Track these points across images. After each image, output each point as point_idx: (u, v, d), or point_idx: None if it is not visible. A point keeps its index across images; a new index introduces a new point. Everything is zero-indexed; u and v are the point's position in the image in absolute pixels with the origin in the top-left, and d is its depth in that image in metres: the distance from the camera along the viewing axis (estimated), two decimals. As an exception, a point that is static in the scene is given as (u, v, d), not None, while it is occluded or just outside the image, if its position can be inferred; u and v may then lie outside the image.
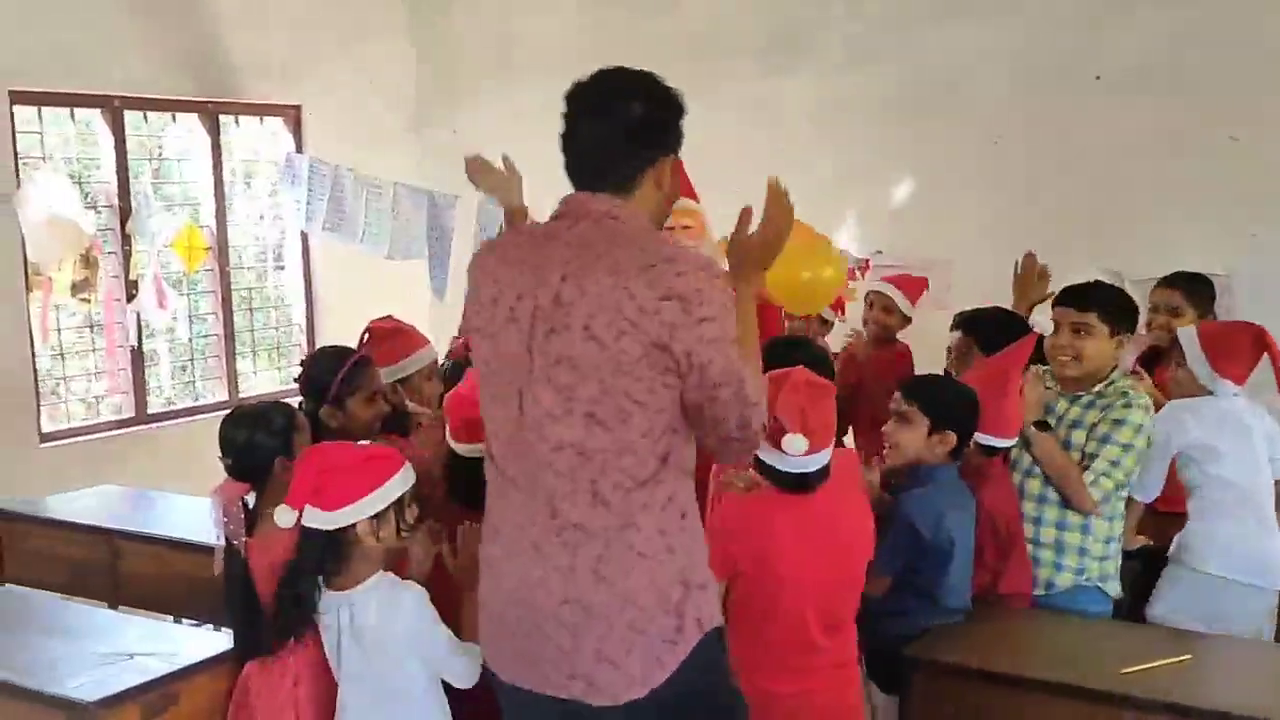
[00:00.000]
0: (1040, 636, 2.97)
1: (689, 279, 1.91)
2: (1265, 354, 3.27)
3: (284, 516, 2.35)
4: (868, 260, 4.93)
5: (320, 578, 2.41)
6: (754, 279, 2.20)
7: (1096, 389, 3.15)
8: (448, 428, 2.80)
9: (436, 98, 6.51)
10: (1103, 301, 3.14)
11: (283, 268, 6.17)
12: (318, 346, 5.31)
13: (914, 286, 4.27)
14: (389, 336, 3.43)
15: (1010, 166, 4.91)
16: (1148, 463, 3.22)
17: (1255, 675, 2.82)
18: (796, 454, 2.42)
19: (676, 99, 2.06)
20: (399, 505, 2.41)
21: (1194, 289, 3.85)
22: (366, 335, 3.44)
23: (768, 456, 2.48)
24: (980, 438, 3.01)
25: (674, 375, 1.93)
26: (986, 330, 3.46)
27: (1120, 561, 3.20)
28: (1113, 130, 4.70)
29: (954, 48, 5.00)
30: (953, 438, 2.90)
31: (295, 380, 3.12)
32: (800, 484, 2.50)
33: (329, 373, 3.03)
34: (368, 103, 6.24)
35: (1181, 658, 2.72)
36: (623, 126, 2.00)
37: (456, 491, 2.75)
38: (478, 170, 2.74)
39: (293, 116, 6.04)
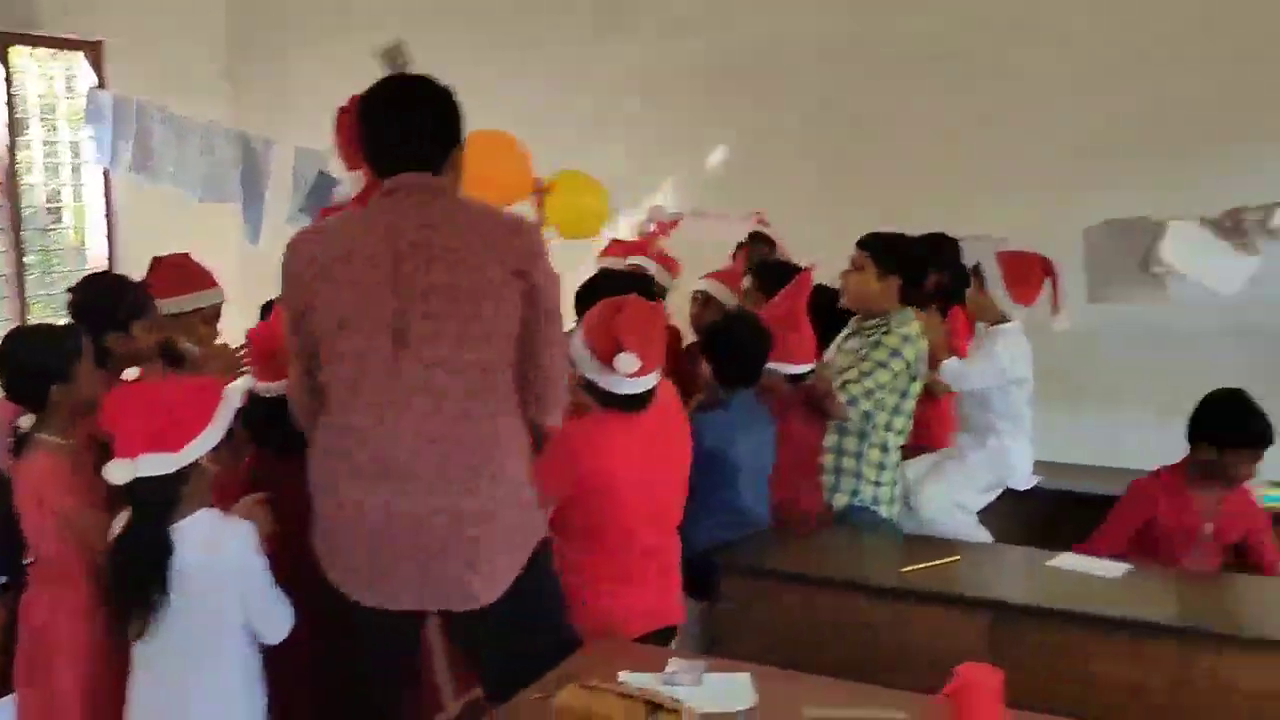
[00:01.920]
0: (833, 545, 3.28)
1: (526, 220, 2.41)
2: (1048, 279, 3.64)
3: (119, 471, 2.19)
4: (677, 218, 5.11)
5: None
6: None
7: (870, 322, 3.45)
8: (254, 368, 2.77)
9: (254, 44, 6.34)
10: (868, 244, 3.43)
11: (80, 208, 5.88)
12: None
13: (732, 279, 4.29)
14: (175, 269, 3.37)
15: (827, 136, 5.15)
16: (974, 363, 3.60)
17: (1016, 572, 3.20)
18: (628, 372, 2.56)
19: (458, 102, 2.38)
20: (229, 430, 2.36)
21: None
22: (154, 264, 3.36)
23: (600, 379, 2.63)
24: (779, 367, 3.31)
25: (526, 301, 2.26)
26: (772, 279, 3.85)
27: (898, 488, 3.50)
28: (919, 106, 4.96)
29: (773, 21, 5.24)
30: (707, 368, 3.24)
31: (68, 305, 2.91)
32: (633, 404, 2.65)
33: (108, 296, 2.91)
34: (176, 44, 6.02)
35: (952, 558, 3.06)
36: (436, 120, 2.33)
37: (258, 433, 2.73)
38: None
39: (94, 52, 5.77)
